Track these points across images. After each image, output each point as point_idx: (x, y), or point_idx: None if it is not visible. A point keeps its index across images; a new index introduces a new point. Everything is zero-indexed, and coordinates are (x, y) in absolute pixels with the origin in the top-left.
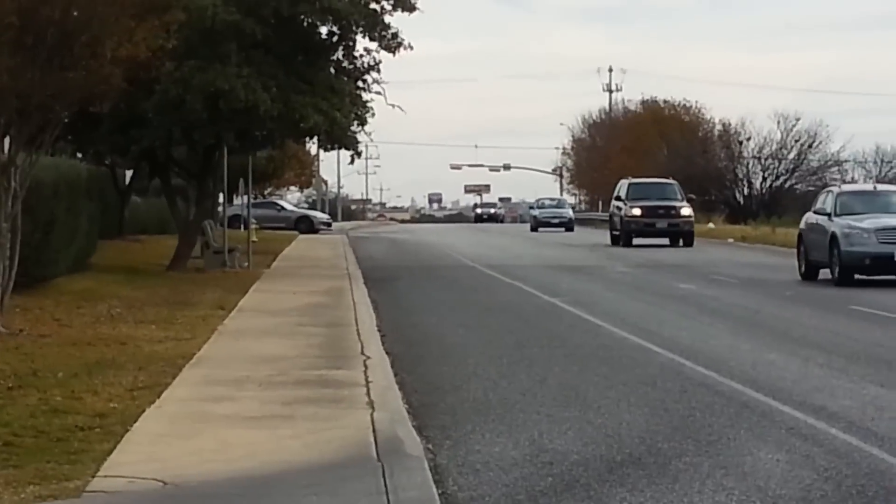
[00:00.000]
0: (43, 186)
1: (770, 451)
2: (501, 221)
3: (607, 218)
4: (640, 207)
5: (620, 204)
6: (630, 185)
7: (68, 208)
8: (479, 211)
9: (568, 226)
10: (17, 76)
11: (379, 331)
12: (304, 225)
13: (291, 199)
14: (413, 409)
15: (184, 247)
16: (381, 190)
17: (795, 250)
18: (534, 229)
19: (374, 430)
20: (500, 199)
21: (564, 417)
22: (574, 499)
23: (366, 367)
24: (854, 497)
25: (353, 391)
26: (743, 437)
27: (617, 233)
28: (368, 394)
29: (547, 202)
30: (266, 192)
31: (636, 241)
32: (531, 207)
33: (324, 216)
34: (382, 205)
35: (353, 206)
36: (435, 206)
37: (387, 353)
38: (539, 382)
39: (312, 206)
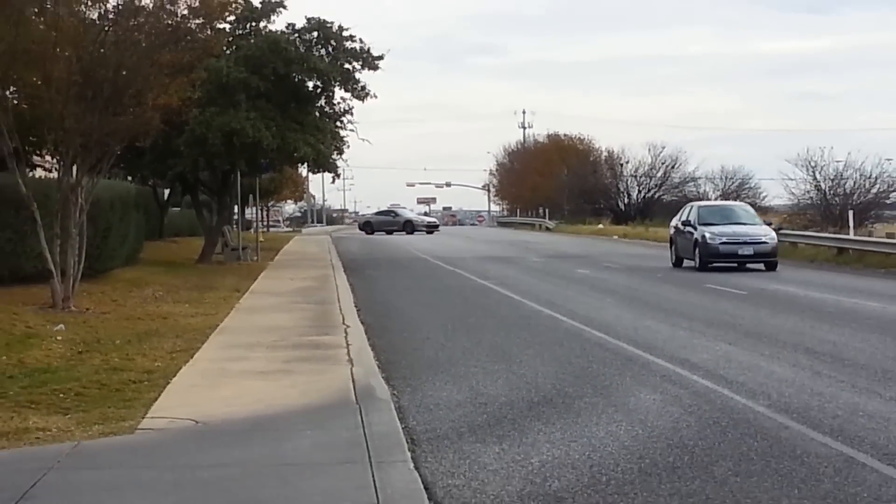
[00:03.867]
0: (102, 202)
1: (648, 393)
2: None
3: (524, 222)
4: None
5: None
6: None
7: (121, 218)
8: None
9: (767, 259)
10: (81, 120)
11: (356, 307)
12: (408, 227)
13: (287, 211)
14: (382, 365)
15: (209, 246)
16: (355, 202)
17: (665, 244)
18: (700, 264)
19: (353, 381)
20: (444, 208)
21: (495, 370)
22: (503, 430)
23: (346, 333)
24: (711, 426)
25: (337, 352)
26: (628, 383)
27: None
28: (349, 353)
29: (713, 209)
30: (269, 205)
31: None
32: (685, 224)
33: (427, 219)
34: (356, 213)
35: (334, 214)
36: None
37: (362, 323)
38: (476, 344)
39: (310, 215)
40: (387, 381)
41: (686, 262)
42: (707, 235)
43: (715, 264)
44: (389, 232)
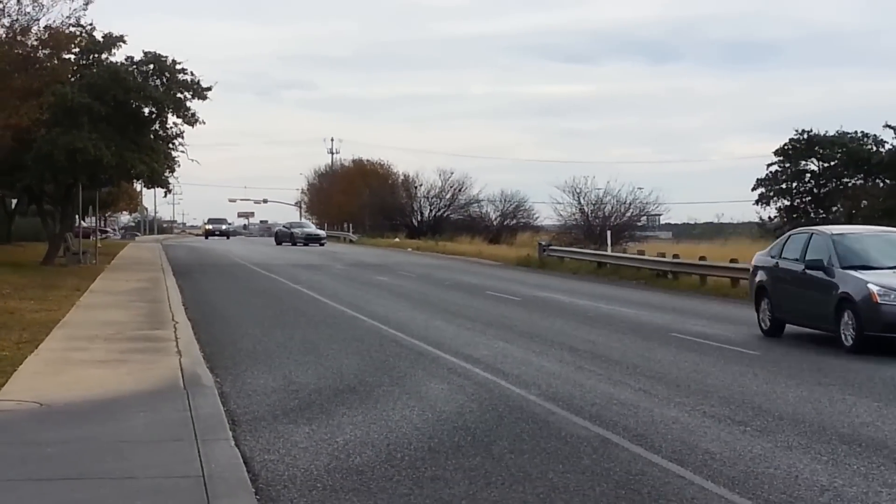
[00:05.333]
0: None
1: (437, 383)
2: (228, 237)
3: (331, 234)
4: None
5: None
6: None
7: None
8: (209, 227)
9: None
10: None
11: (183, 305)
12: (291, 239)
13: (122, 221)
14: (207, 356)
15: (52, 249)
16: (183, 214)
17: (454, 255)
18: (857, 341)
19: (181, 370)
20: (261, 221)
21: (305, 361)
22: (312, 413)
23: (175, 328)
24: (490, 412)
25: (167, 344)
26: (420, 374)
27: None
28: (177, 345)
29: (867, 241)
30: (107, 215)
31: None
32: (811, 266)
33: (308, 231)
34: (184, 224)
35: (165, 225)
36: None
37: (189, 319)
38: (288, 339)
39: (139, 225)
40: (211, 370)
41: (793, 328)
42: (875, 290)
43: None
44: (292, 243)
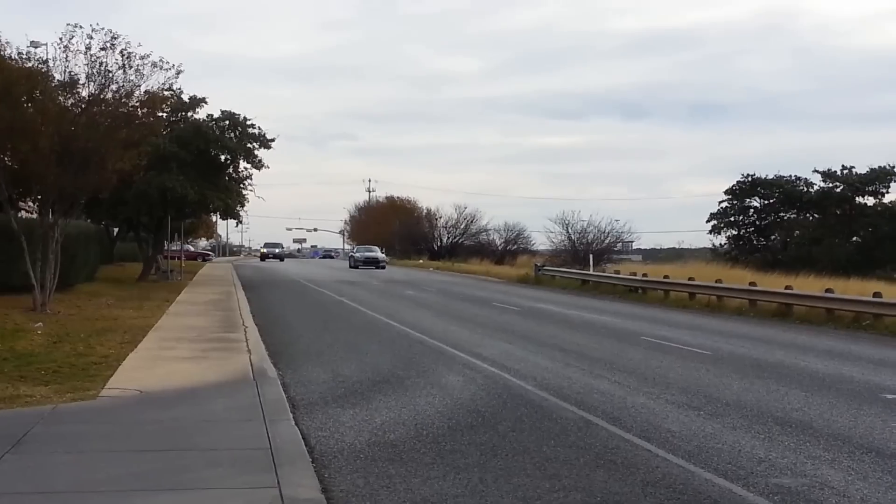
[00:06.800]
0: (70, 236)
1: (454, 376)
2: (282, 259)
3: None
4: None
5: None
6: None
7: (84, 247)
8: (264, 250)
9: None
10: (59, 178)
11: (252, 314)
12: (351, 262)
13: (201, 245)
14: (271, 354)
15: (146, 269)
16: (249, 240)
17: (466, 274)
18: None
19: (251, 364)
20: (312, 246)
21: (349, 358)
22: (355, 399)
23: (245, 331)
24: (496, 399)
25: (239, 344)
26: (441, 369)
27: None
28: (247, 345)
29: None
30: (189, 241)
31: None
32: None
33: (368, 255)
34: (249, 248)
35: (234, 249)
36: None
37: (256, 325)
38: (335, 340)
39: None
40: (274, 365)
41: None
42: None
43: None
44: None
